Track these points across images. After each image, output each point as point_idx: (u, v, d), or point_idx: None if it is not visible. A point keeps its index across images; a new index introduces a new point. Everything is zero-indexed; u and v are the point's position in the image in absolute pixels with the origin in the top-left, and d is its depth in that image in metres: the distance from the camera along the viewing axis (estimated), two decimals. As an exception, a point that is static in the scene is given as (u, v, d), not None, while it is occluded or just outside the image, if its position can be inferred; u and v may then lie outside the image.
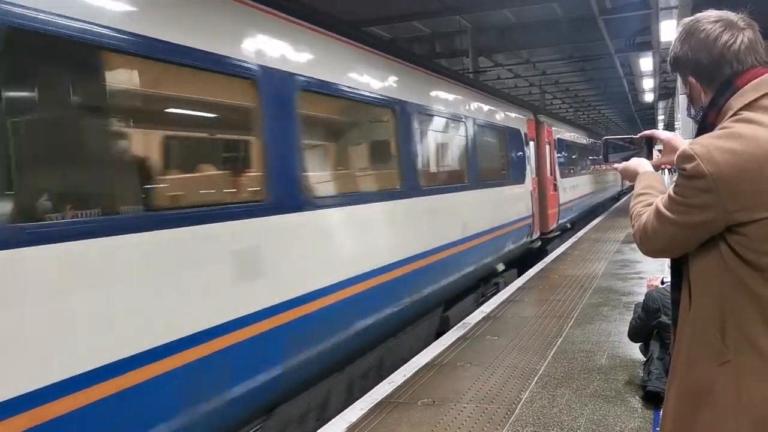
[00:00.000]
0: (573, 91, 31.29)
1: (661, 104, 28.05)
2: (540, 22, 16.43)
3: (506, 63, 21.39)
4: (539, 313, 7.36)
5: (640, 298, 5.17)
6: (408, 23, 15.57)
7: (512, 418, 4.34)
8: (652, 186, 1.87)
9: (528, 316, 7.24)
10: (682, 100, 9.59)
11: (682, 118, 9.72)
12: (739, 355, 1.58)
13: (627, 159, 2.07)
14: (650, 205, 1.75)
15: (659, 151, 2.09)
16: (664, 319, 4.55)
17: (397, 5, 13.17)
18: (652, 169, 1.99)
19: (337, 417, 4.60)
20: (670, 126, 32.87)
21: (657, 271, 8.49)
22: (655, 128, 2.26)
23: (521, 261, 11.39)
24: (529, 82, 26.51)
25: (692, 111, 1.86)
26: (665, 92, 24.24)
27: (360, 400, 4.90)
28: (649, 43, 14.54)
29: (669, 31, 10.71)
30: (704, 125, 1.71)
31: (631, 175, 2.00)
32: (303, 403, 4.76)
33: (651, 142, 2.10)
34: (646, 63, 17.93)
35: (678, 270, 1.76)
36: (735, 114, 1.64)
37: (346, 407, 4.83)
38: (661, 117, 32.42)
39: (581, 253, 12.25)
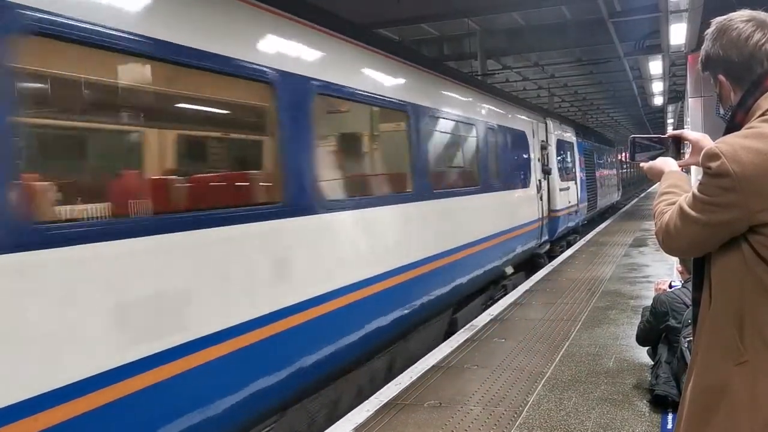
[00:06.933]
0: (582, 94, 31.21)
1: (670, 108, 27.90)
2: (549, 25, 16.40)
3: (515, 66, 21.39)
4: (546, 316, 7.34)
5: (648, 302, 5.15)
6: (416, 25, 15.59)
7: (519, 421, 4.33)
8: (677, 185, 1.86)
9: (535, 319, 7.22)
10: (691, 103, 9.54)
11: (691, 121, 9.67)
12: (756, 356, 1.57)
13: (653, 158, 2.05)
14: (674, 203, 1.74)
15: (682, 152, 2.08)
16: (672, 322, 4.52)
17: (406, 7, 13.17)
18: (678, 169, 1.97)
19: (343, 418, 4.59)
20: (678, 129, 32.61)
21: (665, 274, 8.46)
22: (665, 131, 2.24)
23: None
24: (538, 85, 26.50)
25: (721, 110, 1.84)
26: (674, 95, 24.13)
27: (367, 401, 4.90)
28: (658, 47, 14.47)
29: (678, 34, 10.66)
30: (732, 124, 1.71)
31: (656, 175, 1.99)
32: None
33: (678, 141, 2.08)
34: (655, 66, 17.84)
35: (700, 269, 1.76)
36: (763, 114, 1.63)
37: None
38: (670, 120, 32.22)
39: (589, 256, 12.21)
